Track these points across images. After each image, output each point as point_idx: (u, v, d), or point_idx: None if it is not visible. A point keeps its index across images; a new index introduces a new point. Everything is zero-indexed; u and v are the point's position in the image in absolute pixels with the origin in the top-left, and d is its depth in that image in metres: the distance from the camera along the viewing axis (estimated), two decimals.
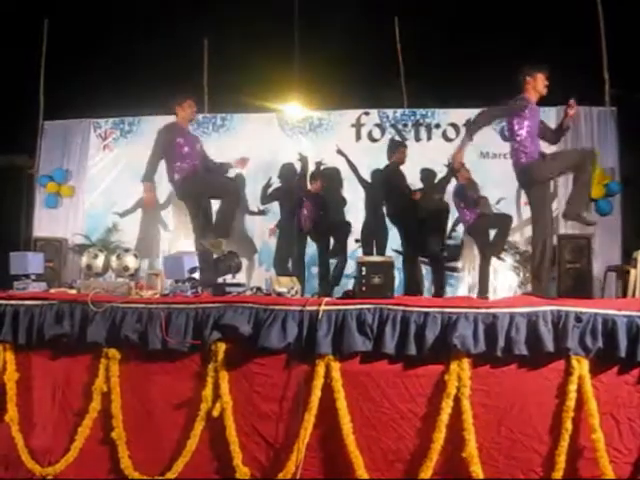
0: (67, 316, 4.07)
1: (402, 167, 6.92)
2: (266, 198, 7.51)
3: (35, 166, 8.25)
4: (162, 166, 5.58)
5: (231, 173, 6.27)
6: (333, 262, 7.12)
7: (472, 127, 4.89)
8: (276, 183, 7.52)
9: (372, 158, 7.45)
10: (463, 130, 7.70)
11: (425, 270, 7.10)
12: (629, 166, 7.29)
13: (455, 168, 5.75)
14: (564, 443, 3.48)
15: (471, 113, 7.64)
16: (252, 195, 7.72)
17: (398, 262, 6.36)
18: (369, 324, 3.70)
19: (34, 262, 4.77)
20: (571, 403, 3.49)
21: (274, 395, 3.80)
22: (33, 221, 8.20)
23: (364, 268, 3.98)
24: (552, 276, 4.90)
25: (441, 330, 3.63)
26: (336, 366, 3.68)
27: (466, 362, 3.58)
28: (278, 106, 8.11)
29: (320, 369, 3.67)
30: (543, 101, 5.00)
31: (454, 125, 7.77)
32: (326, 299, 3.89)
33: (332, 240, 7.17)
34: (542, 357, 3.58)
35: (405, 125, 7.89)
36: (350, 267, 6.86)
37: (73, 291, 4.50)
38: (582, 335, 3.55)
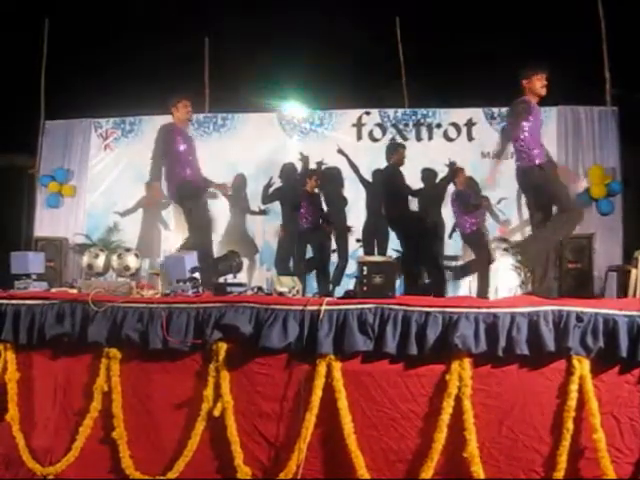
0: (68, 316, 4.07)
1: (402, 168, 6.90)
2: (267, 198, 7.50)
3: (36, 166, 8.26)
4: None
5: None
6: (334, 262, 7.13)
7: (499, 151, 4.87)
8: (277, 183, 7.52)
9: (373, 158, 7.44)
10: (464, 130, 7.72)
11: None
12: (630, 166, 7.29)
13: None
14: (565, 443, 3.47)
15: (472, 113, 7.74)
16: (253, 195, 7.72)
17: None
18: (370, 324, 3.70)
19: (35, 262, 4.78)
20: (572, 403, 3.49)
21: (275, 395, 3.80)
22: (34, 221, 8.21)
23: (365, 268, 3.98)
24: (554, 276, 4.90)
25: (442, 330, 3.63)
26: (337, 366, 3.68)
27: (467, 362, 3.58)
28: (279, 105, 8.11)
29: (321, 369, 3.67)
30: (543, 101, 4.98)
31: (455, 125, 7.77)
32: (327, 299, 3.89)
33: (333, 240, 7.18)
34: (543, 357, 3.57)
35: (406, 125, 7.90)
36: (351, 267, 6.87)
37: (74, 291, 4.50)
38: (583, 335, 3.55)
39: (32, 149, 8.30)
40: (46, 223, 8.13)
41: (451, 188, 7.16)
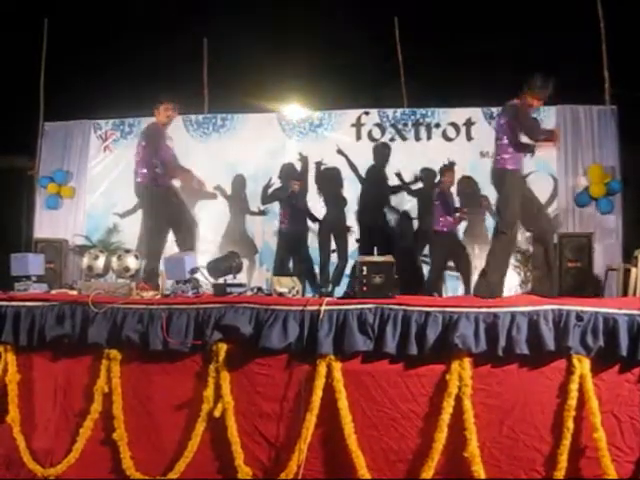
0: (68, 317, 4.08)
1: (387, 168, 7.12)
2: (267, 198, 7.49)
3: (35, 167, 8.24)
4: None
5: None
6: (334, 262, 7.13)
7: (531, 147, 4.76)
8: (276, 183, 7.51)
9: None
10: (463, 129, 7.71)
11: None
12: (629, 165, 7.29)
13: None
14: (566, 442, 3.48)
15: (470, 112, 7.74)
16: (252, 195, 7.72)
17: None
18: (370, 324, 3.70)
19: (35, 263, 4.78)
20: (572, 402, 3.50)
21: (275, 395, 3.81)
22: (34, 222, 8.19)
23: (365, 268, 3.98)
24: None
25: (442, 330, 3.63)
26: (337, 366, 3.69)
27: (467, 361, 3.58)
28: (278, 106, 8.11)
29: (321, 369, 3.67)
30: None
31: (454, 124, 7.76)
32: (327, 299, 3.89)
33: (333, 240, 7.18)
34: (543, 356, 3.58)
35: (405, 125, 7.89)
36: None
37: (74, 292, 4.50)
38: (583, 334, 3.55)
39: (31, 151, 8.28)
40: (46, 224, 8.11)
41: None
